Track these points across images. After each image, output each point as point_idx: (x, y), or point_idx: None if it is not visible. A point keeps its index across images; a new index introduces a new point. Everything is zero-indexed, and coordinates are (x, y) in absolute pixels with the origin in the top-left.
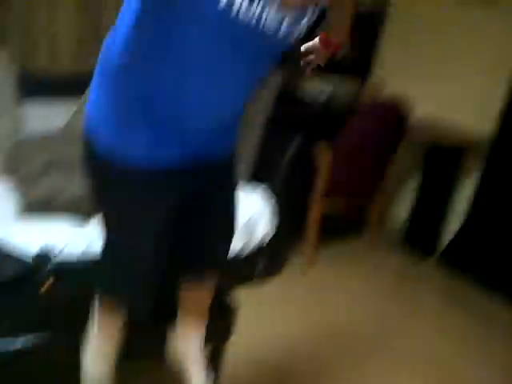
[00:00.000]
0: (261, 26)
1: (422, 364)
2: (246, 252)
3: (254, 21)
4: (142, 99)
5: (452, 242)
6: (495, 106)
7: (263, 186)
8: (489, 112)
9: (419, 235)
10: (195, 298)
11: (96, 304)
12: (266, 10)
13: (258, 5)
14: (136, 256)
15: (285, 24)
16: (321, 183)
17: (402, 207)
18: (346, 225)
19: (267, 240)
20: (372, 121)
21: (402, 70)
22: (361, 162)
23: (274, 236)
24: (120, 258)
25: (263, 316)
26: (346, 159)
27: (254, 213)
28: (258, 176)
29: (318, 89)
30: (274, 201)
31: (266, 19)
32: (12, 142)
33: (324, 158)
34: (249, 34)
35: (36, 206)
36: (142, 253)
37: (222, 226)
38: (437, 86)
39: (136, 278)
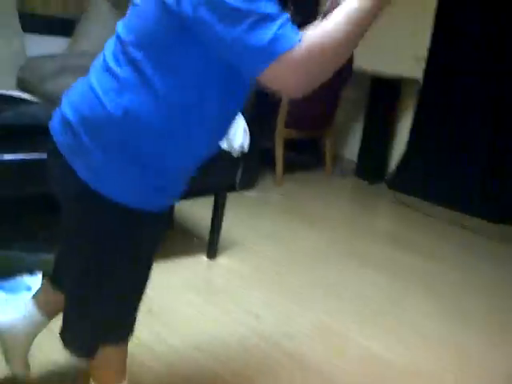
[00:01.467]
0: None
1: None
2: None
3: None
4: (157, 156)
5: (396, 168)
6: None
7: None
8: (418, 52)
9: (369, 164)
10: None
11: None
12: None
13: None
14: (144, 285)
15: None
16: (282, 114)
17: (353, 138)
18: (305, 157)
19: (241, 154)
20: None
21: None
22: (312, 97)
23: (248, 152)
24: (132, 294)
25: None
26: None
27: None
28: None
29: None
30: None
31: None
32: (22, 60)
33: None
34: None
35: (57, 98)
36: (146, 279)
37: None
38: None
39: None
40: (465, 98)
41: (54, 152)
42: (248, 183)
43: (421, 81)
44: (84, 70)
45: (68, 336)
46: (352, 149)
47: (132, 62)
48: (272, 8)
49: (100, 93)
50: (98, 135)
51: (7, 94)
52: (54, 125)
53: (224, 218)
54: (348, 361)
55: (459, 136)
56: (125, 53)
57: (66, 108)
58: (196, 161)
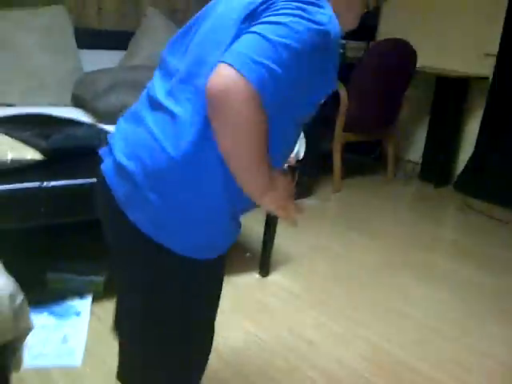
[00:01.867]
0: None
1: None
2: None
3: None
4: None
5: (464, 170)
6: (494, 47)
7: None
8: (488, 51)
9: (434, 166)
10: None
11: None
12: None
13: None
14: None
15: None
16: (341, 118)
17: (417, 141)
18: (366, 160)
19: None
20: (383, 58)
21: (405, 25)
22: (374, 97)
23: (302, 160)
24: (204, 333)
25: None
26: (359, 96)
27: None
28: None
29: None
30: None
31: None
32: (78, 76)
33: (342, 95)
34: None
35: (108, 115)
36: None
37: None
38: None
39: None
40: None
41: (106, 194)
42: (306, 190)
43: (490, 79)
44: (136, 85)
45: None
46: (416, 151)
47: (192, 99)
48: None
49: (160, 137)
50: (162, 186)
51: (58, 115)
52: (108, 169)
53: (277, 229)
54: None
55: None
56: (182, 88)
57: (121, 156)
58: None
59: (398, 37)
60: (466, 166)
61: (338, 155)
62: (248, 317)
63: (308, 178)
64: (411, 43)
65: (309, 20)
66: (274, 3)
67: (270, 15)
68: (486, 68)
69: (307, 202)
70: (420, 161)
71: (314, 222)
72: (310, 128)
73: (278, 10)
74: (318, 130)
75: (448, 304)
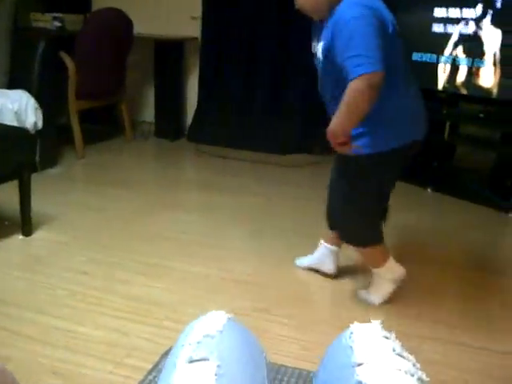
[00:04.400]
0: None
1: None
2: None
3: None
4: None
5: (192, 122)
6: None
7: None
8: (194, 14)
9: (167, 123)
10: None
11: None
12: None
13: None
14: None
15: None
16: (71, 88)
17: (148, 102)
18: (104, 127)
19: (36, 132)
20: (101, 27)
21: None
22: (99, 65)
23: (43, 129)
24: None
25: None
26: (86, 65)
27: (19, 106)
28: (16, 80)
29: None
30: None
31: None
32: None
33: (69, 66)
34: None
35: None
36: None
37: None
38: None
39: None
40: (240, 50)
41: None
42: (49, 161)
43: (199, 39)
44: None
45: (343, 235)
46: (149, 112)
47: None
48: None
49: None
50: None
51: None
52: None
53: (32, 199)
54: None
55: (243, 85)
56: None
57: None
58: None
59: (112, 6)
60: (193, 119)
61: (77, 122)
62: (21, 268)
63: (49, 148)
64: (126, 12)
65: None
66: None
67: None
68: (194, 30)
69: (52, 171)
70: (154, 120)
71: (66, 186)
72: (44, 100)
73: None
74: (52, 102)
75: (197, 222)
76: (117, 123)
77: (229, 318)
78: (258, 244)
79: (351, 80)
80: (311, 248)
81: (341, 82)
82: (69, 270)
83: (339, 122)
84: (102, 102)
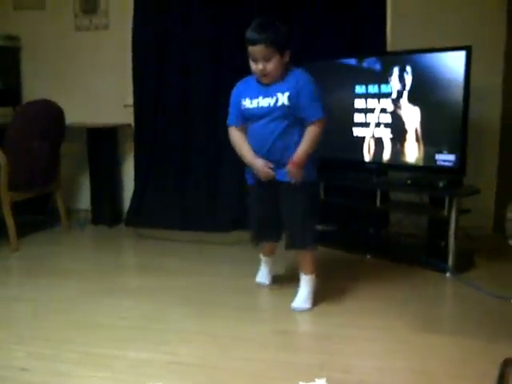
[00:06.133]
0: None
1: None
2: None
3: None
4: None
5: (130, 207)
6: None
7: None
8: (127, 102)
9: (103, 210)
10: None
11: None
12: None
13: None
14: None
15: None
16: (3, 179)
17: (84, 190)
18: (39, 218)
19: None
20: (32, 119)
21: (48, 86)
22: (31, 157)
23: None
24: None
25: None
26: (18, 157)
27: None
28: None
29: None
30: None
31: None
32: None
33: (1, 158)
34: None
35: None
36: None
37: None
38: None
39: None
40: (174, 135)
41: None
42: None
43: (133, 125)
44: None
45: (297, 241)
46: (84, 199)
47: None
48: None
49: None
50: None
51: None
52: None
53: None
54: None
55: (179, 168)
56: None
57: None
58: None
59: (43, 98)
60: (131, 203)
61: (9, 214)
62: None
63: None
64: (58, 102)
65: None
66: None
67: None
68: (128, 117)
69: None
70: (90, 208)
71: None
72: None
73: None
74: None
75: (138, 306)
76: (53, 213)
77: None
78: (203, 324)
79: (319, 117)
80: (260, 320)
81: (295, 125)
82: (7, 368)
83: (305, 150)
84: (36, 192)
